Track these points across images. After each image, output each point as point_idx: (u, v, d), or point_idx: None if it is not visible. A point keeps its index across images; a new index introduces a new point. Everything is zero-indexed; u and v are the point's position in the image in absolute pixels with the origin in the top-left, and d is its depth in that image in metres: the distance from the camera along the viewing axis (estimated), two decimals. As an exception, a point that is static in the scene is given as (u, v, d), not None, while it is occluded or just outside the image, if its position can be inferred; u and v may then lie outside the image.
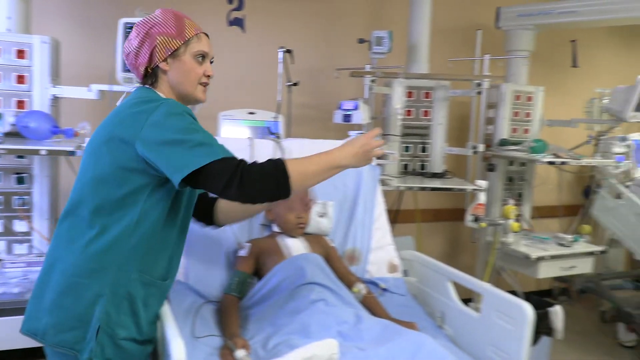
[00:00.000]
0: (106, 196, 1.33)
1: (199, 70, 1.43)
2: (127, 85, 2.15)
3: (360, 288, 1.87)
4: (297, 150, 2.11)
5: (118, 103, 1.44)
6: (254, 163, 1.32)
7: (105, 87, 2.22)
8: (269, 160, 1.33)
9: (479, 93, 3.16)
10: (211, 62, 1.49)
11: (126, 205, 1.33)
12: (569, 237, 3.31)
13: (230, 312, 1.68)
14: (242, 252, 1.83)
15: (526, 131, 3.56)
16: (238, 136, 2.65)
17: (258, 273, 1.84)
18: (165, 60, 1.39)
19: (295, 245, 1.86)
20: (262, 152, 2.06)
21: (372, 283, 2.00)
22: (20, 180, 2.37)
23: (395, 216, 3.55)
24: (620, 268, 4.10)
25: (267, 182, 1.29)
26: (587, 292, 3.92)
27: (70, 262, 1.34)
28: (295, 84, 2.85)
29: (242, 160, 1.31)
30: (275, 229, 1.93)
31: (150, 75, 1.42)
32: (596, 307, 3.98)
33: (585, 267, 3.28)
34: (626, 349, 3.52)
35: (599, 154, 3.67)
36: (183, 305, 1.65)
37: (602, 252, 3.31)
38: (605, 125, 3.66)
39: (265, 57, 3.15)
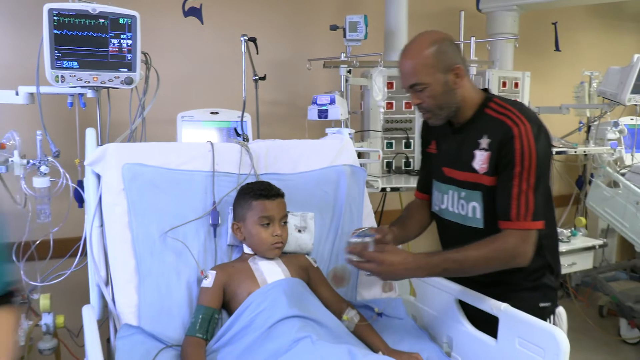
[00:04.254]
0: None
1: None
2: (58, 86, 1.78)
3: (352, 315, 1.57)
4: (264, 154, 1.79)
5: None
6: None
7: (32, 89, 1.85)
8: None
9: (465, 80, 2.88)
10: None
11: None
12: (567, 231, 3.07)
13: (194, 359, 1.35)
14: (206, 283, 1.50)
15: (514, 120, 3.31)
16: (199, 140, 2.31)
17: (227, 307, 1.51)
18: None
19: (270, 269, 1.54)
20: (227, 157, 1.74)
21: (365, 307, 1.69)
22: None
23: (380, 218, 3.28)
24: (614, 259, 3.90)
25: None
26: (584, 286, 3.73)
27: None
28: (262, 78, 2.53)
29: None
30: (247, 250, 1.61)
31: None
32: (593, 301, 3.77)
33: (585, 262, 3.05)
34: (630, 345, 3.31)
35: (591, 141, 3.45)
36: (134, 357, 1.32)
37: (602, 245, 3.08)
38: (597, 110, 3.44)
39: (227, 50, 2.83)
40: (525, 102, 3.31)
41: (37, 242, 1.97)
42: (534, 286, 1.56)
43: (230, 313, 1.48)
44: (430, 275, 1.50)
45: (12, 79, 2.10)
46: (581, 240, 3.08)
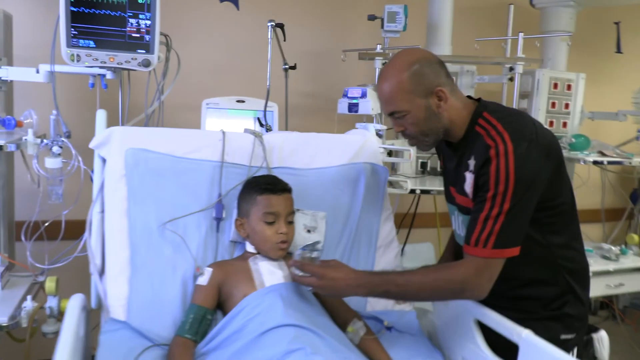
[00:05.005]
0: None
1: None
2: (74, 65, 1.73)
3: (358, 327, 1.44)
4: (279, 147, 1.68)
5: None
6: None
7: (48, 67, 1.81)
8: None
9: (511, 79, 2.68)
10: None
11: None
12: (615, 249, 2.82)
13: (179, 362, 1.26)
14: (201, 280, 1.41)
15: (564, 125, 3.07)
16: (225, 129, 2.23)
17: (223, 307, 1.42)
18: None
19: (270, 271, 1.43)
20: (238, 148, 1.64)
21: (374, 319, 1.56)
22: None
23: (412, 221, 3.12)
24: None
25: None
26: (633, 309, 3.46)
27: None
28: (292, 68, 2.42)
29: None
30: (250, 248, 1.51)
31: None
32: (643, 326, 3.48)
33: (636, 284, 2.79)
34: (680, 379, 3.02)
35: (650, 152, 3.16)
36: (116, 354, 1.24)
37: (655, 266, 2.81)
38: (659, 118, 3.14)
39: (258, 37, 2.72)
40: (578, 106, 3.08)
41: (47, 224, 1.93)
42: (554, 316, 1.39)
43: (225, 314, 1.39)
44: (372, 295, 1.37)
45: (35, 58, 2.06)
46: (632, 260, 2.82)
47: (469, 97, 1.41)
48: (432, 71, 1.32)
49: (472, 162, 1.31)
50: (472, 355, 1.42)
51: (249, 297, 1.34)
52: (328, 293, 1.35)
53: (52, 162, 1.79)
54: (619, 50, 3.33)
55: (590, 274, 2.53)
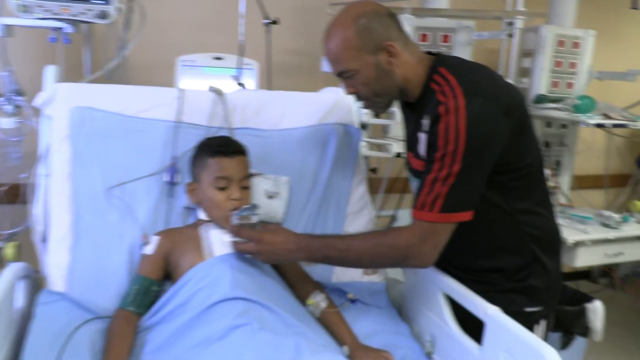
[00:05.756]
0: None
1: None
2: (24, 17, 1.61)
3: (318, 300, 1.35)
4: (242, 106, 1.55)
5: None
6: None
7: (7, 20, 1.68)
8: None
9: (510, 35, 2.50)
10: None
11: None
12: (616, 216, 2.68)
13: (119, 337, 1.18)
14: (147, 249, 1.31)
15: (570, 85, 2.89)
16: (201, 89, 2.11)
17: (171, 278, 1.33)
18: None
19: (221, 240, 1.32)
20: (197, 107, 1.52)
21: (339, 291, 1.46)
22: None
23: (405, 185, 3.00)
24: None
25: None
26: (635, 277, 3.35)
27: None
28: (274, 22, 2.26)
29: None
30: (202, 215, 1.40)
31: None
32: (643, 295, 3.37)
33: (635, 253, 2.66)
34: (680, 350, 2.92)
35: (660, 115, 2.97)
36: (51, 328, 1.16)
37: (657, 236, 2.67)
38: (671, 78, 2.94)
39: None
40: (585, 66, 2.88)
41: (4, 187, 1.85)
42: (518, 288, 1.29)
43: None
44: (312, 260, 1.28)
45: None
46: (634, 228, 2.67)
47: (429, 52, 1.28)
48: (380, 25, 1.19)
49: (425, 122, 1.19)
50: (440, 332, 1.32)
51: (195, 267, 1.24)
52: (267, 259, 1.26)
53: (5, 122, 1.70)
54: (635, 7, 3.11)
55: (589, 242, 2.47)
